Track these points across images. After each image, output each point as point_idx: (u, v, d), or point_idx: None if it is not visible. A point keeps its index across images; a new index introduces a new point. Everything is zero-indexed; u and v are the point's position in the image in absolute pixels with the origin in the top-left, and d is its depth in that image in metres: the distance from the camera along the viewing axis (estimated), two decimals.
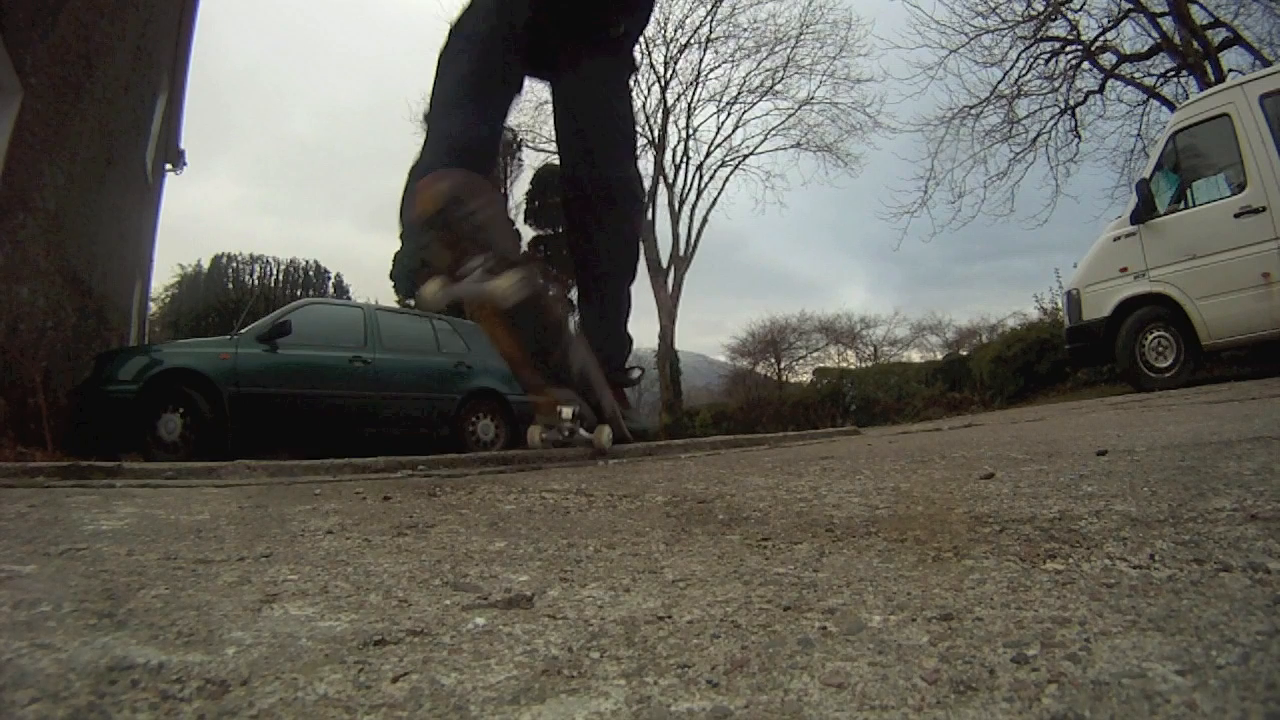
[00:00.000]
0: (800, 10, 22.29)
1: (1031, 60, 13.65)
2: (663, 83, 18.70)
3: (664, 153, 19.00)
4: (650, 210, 18.55)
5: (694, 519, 1.06)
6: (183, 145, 12.51)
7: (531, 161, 23.71)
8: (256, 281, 24.27)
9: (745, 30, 17.91)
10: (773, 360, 23.75)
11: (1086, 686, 0.42)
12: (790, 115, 18.57)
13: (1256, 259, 5.53)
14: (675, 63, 18.51)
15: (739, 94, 18.67)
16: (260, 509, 1.32)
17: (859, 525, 0.93)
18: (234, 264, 24.43)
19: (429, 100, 1.97)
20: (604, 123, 2.20)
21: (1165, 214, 6.12)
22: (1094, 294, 6.55)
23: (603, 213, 2.19)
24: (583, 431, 2.06)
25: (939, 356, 20.24)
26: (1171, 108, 10.79)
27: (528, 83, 2.22)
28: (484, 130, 1.93)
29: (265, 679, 0.49)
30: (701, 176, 19.34)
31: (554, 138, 2.09)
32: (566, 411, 2.01)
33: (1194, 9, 12.04)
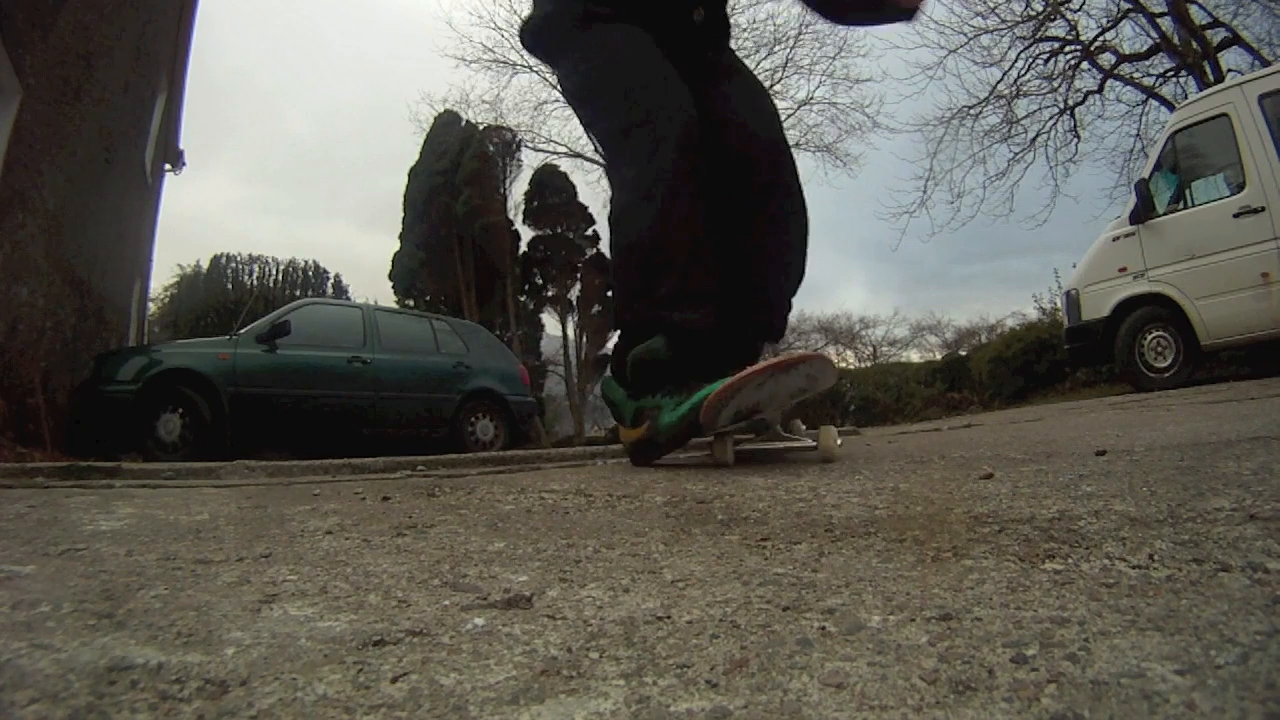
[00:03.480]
0: (799, 10, 22.25)
1: (1030, 60, 13.67)
2: None
3: None
4: None
5: (693, 519, 1.06)
6: (182, 145, 12.52)
7: (531, 161, 23.64)
8: (255, 282, 24.32)
9: (744, 30, 17.88)
10: None
11: (1086, 686, 0.42)
12: (789, 115, 18.54)
13: (1255, 259, 5.53)
14: None
15: None
16: (259, 509, 1.32)
17: (858, 525, 0.93)
18: (233, 264, 24.49)
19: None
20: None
21: (1164, 214, 6.13)
22: (1093, 294, 6.56)
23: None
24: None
25: (938, 357, 20.24)
26: (1171, 108, 10.80)
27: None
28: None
29: (265, 679, 0.49)
30: None
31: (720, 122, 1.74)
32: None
33: (1193, 9, 12.05)
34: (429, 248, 22.35)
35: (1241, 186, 5.70)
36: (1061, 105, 13.77)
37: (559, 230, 24.00)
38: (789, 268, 1.85)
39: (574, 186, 23.23)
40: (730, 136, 1.76)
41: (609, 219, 1.76)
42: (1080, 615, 0.54)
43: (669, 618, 0.61)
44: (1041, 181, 25.10)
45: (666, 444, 1.71)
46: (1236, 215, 5.66)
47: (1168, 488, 0.97)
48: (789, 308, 1.94)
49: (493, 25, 18.38)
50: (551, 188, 23.45)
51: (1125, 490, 0.99)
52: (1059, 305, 8.78)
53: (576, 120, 1.88)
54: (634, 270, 1.69)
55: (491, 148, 22.55)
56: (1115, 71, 13.39)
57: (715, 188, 1.72)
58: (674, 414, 1.61)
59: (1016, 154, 14.19)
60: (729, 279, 1.75)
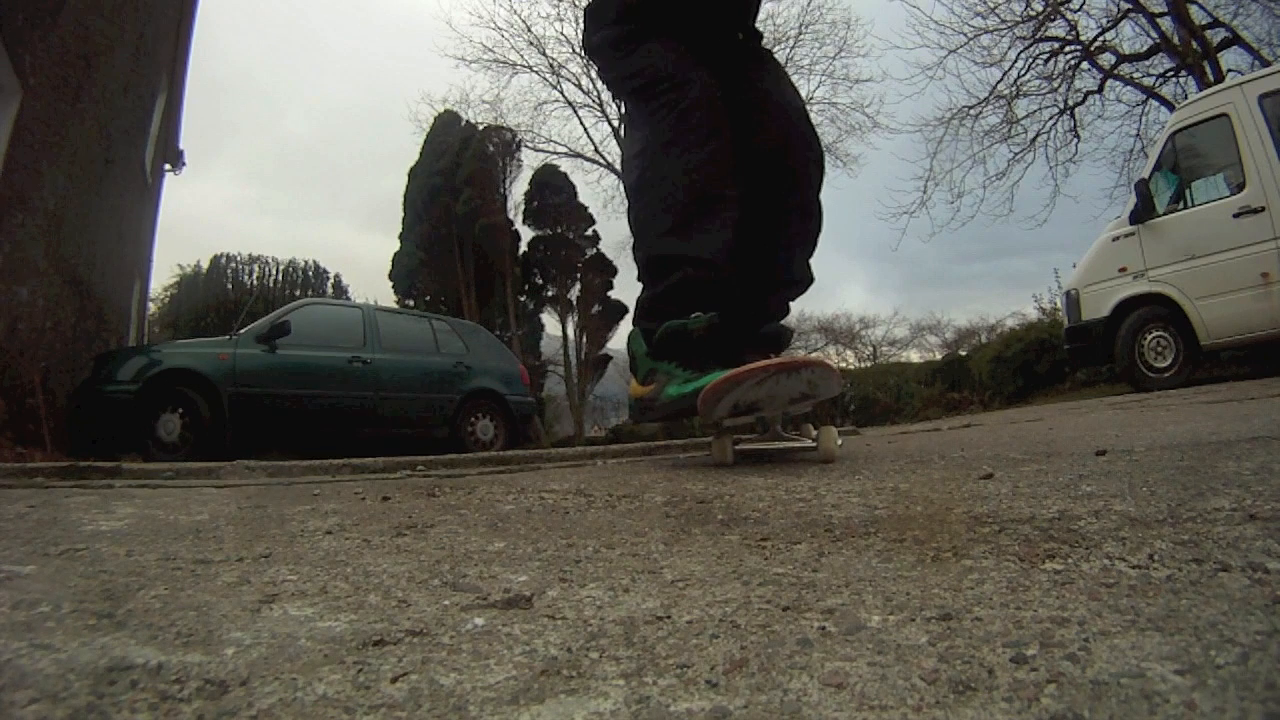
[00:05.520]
0: (799, 10, 22.23)
1: (1030, 60, 13.68)
2: None
3: None
4: None
5: (693, 519, 1.06)
6: (182, 145, 12.52)
7: (531, 161, 23.62)
8: (255, 281, 24.29)
9: None
10: None
11: (1085, 686, 0.42)
12: None
13: (1255, 259, 5.54)
14: None
15: None
16: (259, 509, 1.32)
17: (858, 525, 0.93)
18: (233, 264, 24.45)
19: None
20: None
21: (1164, 214, 6.13)
22: (1093, 294, 6.56)
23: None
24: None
25: (938, 357, 20.26)
26: (1170, 108, 10.81)
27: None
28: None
29: (264, 679, 0.49)
30: None
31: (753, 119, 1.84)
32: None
33: (1193, 9, 12.06)
34: (429, 248, 22.35)
35: (1241, 186, 5.70)
36: (1061, 105, 13.79)
37: (559, 230, 23.99)
38: (812, 237, 1.94)
39: (574, 186, 23.25)
40: (765, 115, 1.86)
41: (625, 161, 1.87)
42: (1080, 615, 0.54)
43: (669, 618, 0.61)
44: (1041, 181, 25.19)
45: (663, 413, 1.76)
46: (1236, 215, 5.66)
47: (1168, 488, 0.97)
48: (809, 273, 2.00)
49: (493, 25, 18.44)
50: (551, 188, 23.43)
51: (1125, 490, 0.99)
52: (1059, 305, 8.78)
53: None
54: (649, 207, 1.77)
55: (491, 148, 22.55)
56: (1115, 71, 13.39)
57: (750, 163, 1.81)
58: (679, 389, 1.67)
59: (1016, 154, 14.22)
60: (758, 250, 1.83)
